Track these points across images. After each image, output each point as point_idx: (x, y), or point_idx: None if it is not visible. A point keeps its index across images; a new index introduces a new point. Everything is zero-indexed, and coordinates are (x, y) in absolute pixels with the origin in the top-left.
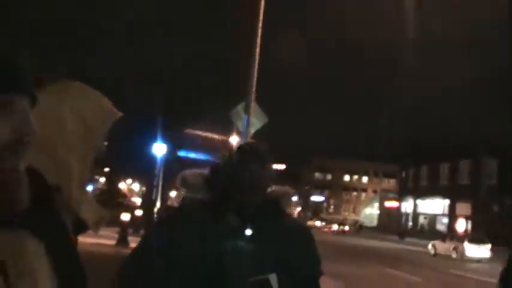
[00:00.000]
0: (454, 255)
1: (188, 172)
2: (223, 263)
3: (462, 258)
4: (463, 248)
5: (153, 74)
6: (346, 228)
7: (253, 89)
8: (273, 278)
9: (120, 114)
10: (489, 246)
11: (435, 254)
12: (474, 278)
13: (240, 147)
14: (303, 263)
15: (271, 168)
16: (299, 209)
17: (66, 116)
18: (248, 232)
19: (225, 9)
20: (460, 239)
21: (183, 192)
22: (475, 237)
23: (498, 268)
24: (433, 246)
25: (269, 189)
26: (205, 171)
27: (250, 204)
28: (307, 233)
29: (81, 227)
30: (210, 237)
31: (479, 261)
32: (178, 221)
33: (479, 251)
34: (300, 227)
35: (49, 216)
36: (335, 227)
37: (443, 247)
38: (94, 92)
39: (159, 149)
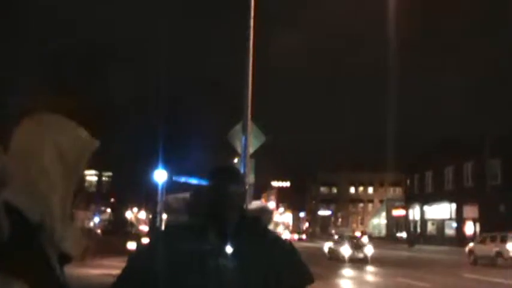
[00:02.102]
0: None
1: (170, 197)
2: (206, 282)
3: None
4: (508, 249)
5: (152, 99)
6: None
7: (249, 109)
8: None
9: (97, 144)
10: None
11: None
12: None
13: (216, 170)
14: (289, 275)
15: (245, 187)
16: (307, 224)
17: (44, 152)
18: (229, 250)
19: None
20: (503, 239)
21: (167, 216)
22: None
23: None
24: (470, 251)
25: (246, 206)
26: (187, 195)
27: (229, 222)
28: (289, 245)
29: (66, 259)
30: (192, 257)
31: None
32: (161, 242)
33: None
34: (281, 240)
35: (33, 254)
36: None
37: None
38: (70, 123)
39: (160, 175)
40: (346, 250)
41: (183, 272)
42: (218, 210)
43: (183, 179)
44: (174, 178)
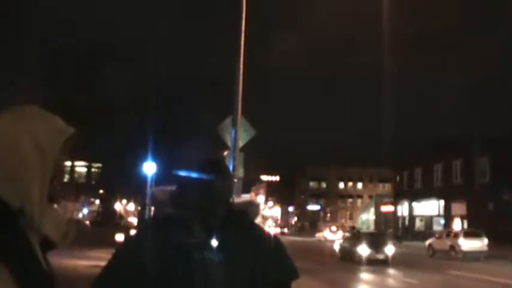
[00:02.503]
0: (452, 253)
1: (157, 189)
2: (192, 275)
3: (458, 255)
4: (459, 243)
5: (145, 94)
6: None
7: (239, 102)
8: None
9: (73, 130)
10: (485, 240)
11: (433, 254)
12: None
13: (202, 162)
14: (274, 269)
15: (232, 180)
16: (295, 219)
17: (21, 141)
18: (215, 243)
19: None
20: (456, 235)
21: (153, 208)
22: (470, 232)
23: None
24: (430, 245)
25: (232, 200)
26: (174, 187)
27: (215, 216)
28: (275, 239)
29: (49, 245)
30: (178, 250)
31: (477, 257)
32: (147, 234)
33: (476, 245)
34: (267, 234)
35: (14, 240)
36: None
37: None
38: (45, 113)
39: (149, 168)
40: (363, 250)
41: (168, 265)
42: (204, 203)
43: (172, 172)
44: (174, 173)
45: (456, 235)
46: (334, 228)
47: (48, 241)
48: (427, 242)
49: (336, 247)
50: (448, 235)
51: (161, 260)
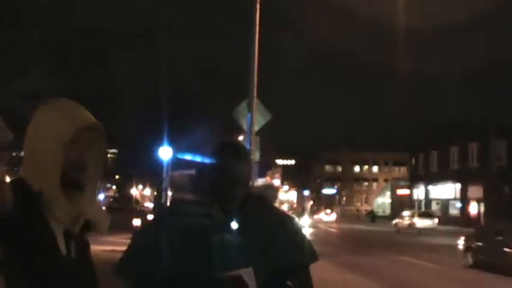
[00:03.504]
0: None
1: (176, 173)
2: (211, 257)
3: (414, 231)
4: (414, 222)
5: (157, 79)
6: None
7: (255, 86)
8: (248, 273)
9: (93, 120)
10: (436, 220)
11: (399, 231)
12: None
13: (221, 146)
14: (293, 252)
15: (251, 164)
16: (311, 203)
17: (42, 129)
18: (234, 225)
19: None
20: (413, 215)
21: (172, 193)
22: (423, 212)
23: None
24: (395, 224)
25: (251, 183)
26: (193, 171)
27: (234, 199)
28: (293, 222)
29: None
30: (196, 233)
31: (430, 233)
32: (165, 219)
33: (427, 224)
34: (286, 217)
35: (35, 218)
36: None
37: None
38: (70, 104)
39: (165, 152)
40: None
41: (187, 248)
42: (223, 186)
43: (187, 157)
44: (179, 156)
45: (413, 215)
46: (328, 211)
47: (86, 226)
48: (394, 222)
49: (461, 245)
50: (408, 216)
51: (180, 242)
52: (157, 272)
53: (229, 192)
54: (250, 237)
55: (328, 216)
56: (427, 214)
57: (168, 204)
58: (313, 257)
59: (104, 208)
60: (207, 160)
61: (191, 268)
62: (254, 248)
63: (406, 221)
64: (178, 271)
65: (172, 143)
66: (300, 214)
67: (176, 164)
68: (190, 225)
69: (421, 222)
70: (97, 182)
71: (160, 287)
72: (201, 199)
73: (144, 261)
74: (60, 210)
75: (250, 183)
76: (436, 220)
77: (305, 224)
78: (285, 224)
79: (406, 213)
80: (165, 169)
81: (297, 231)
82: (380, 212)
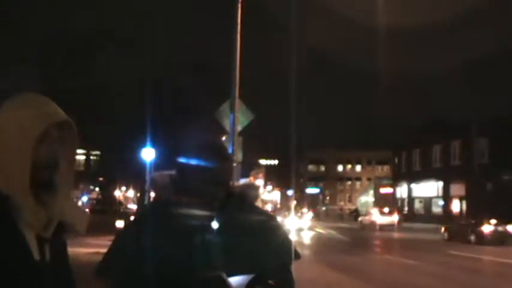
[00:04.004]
0: (373, 226)
1: (157, 174)
2: (192, 257)
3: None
4: (375, 219)
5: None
6: None
7: (237, 86)
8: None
9: (64, 116)
10: (396, 217)
11: (363, 228)
12: None
13: (201, 145)
14: (275, 251)
15: (232, 163)
16: (294, 202)
17: (9, 127)
18: (215, 225)
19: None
20: (374, 215)
21: (152, 193)
22: (384, 211)
23: None
24: (361, 221)
25: (232, 183)
26: (173, 172)
27: (215, 199)
28: (275, 222)
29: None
30: (178, 233)
31: (390, 229)
32: (147, 219)
33: (387, 221)
34: (267, 216)
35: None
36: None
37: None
38: (40, 99)
39: (147, 154)
40: None
41: (169, 249)
42: (204, 186)
43: (170, 157)
44: (162, 157)
45: (375, 213)
46: (305, 210)
47: (61, 227)
48: (359, 219)
49: None
50: (371, 214)
51: (162, 243)
52: (138, 272)
53: (210, 192)
54: (232, 236)
55: (305, 214)
56: (387, 212)
57: (149, 204)
58: (297, 255)
59: (80, 207)
60: (187, 160)
61: (172, 268)
62: (235, 247)
63: (369, 219)
64: (159, 271)
65: (155, 144)
66: (286, 215)
67: (159, 165)
68: (171, 225)
69: (381, 220)
70: (70, 180)
71: (141, 287)
72: (182, 199)
73: (125, 262)
74: (30, 215)
75: (231, 182)
76: (396, 217)
77: (291, 226)
78: (266, 223)
79: (374, 211)
80: (148, 170)
81: (278, 230)
82: (364, 211)
